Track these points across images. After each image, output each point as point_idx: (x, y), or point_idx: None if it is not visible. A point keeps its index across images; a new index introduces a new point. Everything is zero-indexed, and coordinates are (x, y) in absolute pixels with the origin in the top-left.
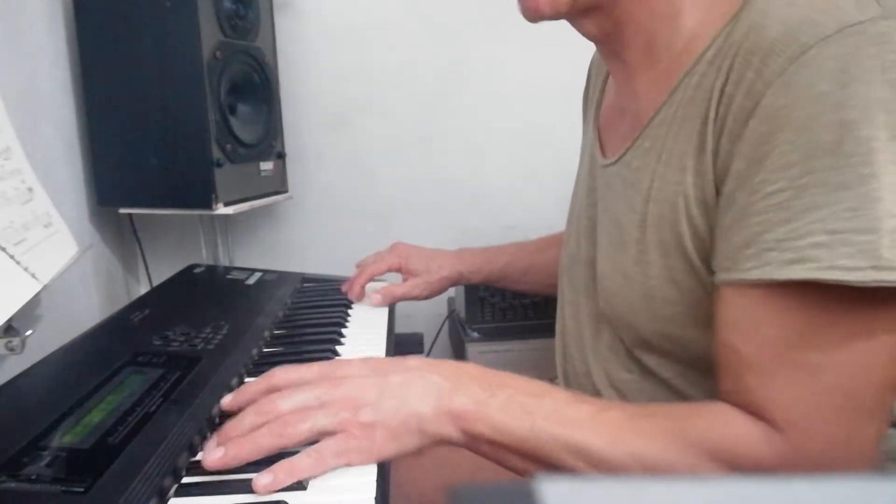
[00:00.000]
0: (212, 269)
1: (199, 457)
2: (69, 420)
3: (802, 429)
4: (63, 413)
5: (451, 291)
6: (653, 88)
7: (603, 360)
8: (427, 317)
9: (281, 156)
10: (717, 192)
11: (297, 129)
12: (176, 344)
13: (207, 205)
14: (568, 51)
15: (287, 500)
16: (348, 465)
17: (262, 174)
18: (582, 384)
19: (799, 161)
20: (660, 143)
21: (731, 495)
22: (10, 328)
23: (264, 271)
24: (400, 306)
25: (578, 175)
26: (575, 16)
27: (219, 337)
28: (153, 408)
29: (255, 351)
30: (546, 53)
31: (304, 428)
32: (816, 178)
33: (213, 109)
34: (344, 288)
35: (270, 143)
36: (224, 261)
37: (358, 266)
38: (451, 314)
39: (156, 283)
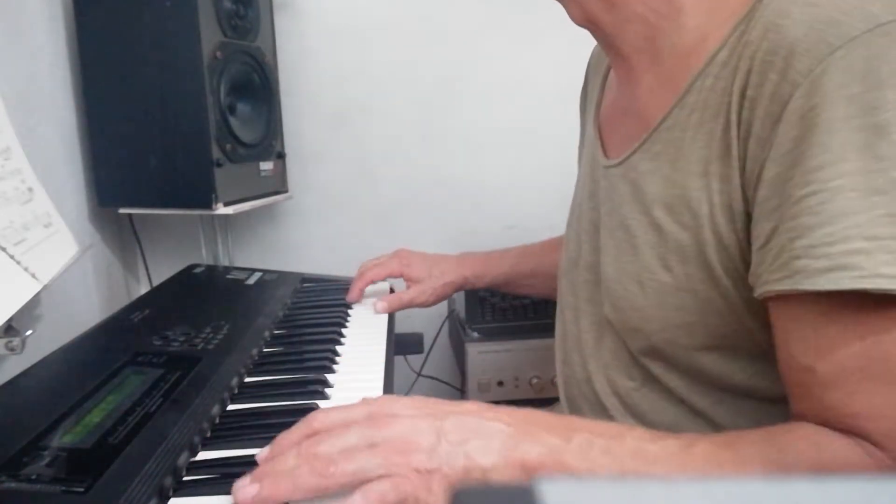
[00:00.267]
0: (212, 269)
1: (199, 457)
2: (69, 420)
3: None
4: (63, 413)
5: None
6: (658, 89)
7: (605, 367)
8: (427, 317)
9: (281, 156)
10: (745, 198)
11: (297, 129)
12: (176, 344)
13: (207, 205)
14: (568, 51)
15: None
16: None
17: (262, 174)
18: (583, 391)
19: (830, 163)
20: (673, 148)
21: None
22: (10, 328)
23: (264, 271)
24: None
25: (579, 177)
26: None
27: (219, 337)
28: (153, 408)
29: (255, 351)
30: (546, 53)
31: (349, 469)
32: (849, 181)
33: (213, 109)
34: (349, 297)
35: (270, 142)
36: (224, 261)
37: (360, 270)
38: (451, 314)
39: (156, 283)
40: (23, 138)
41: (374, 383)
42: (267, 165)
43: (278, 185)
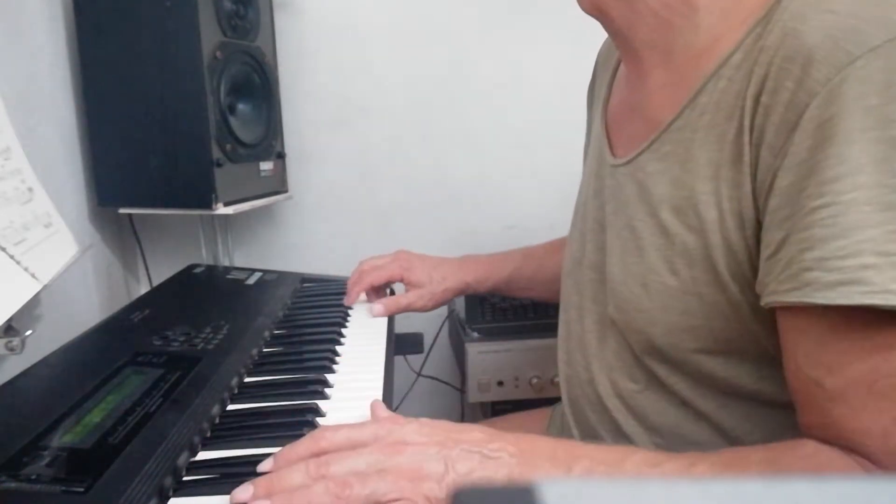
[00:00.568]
0: (212, 269)
1: (199, 457)
2: (69, 420)
3: None
4: (63, 413)
5: None
6: (667, 88)
7: (608, 369)
8: (427, 317)
9: (281, 156)
10: (756, 206)
11: (297, 129)
12: (176, 344)
13: (207, 205)
14: (568, 51)
15: None
16: None
17: (262, 174)
18: (585, 392)
19: (845, 175)
20: (682, 149)
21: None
22: (10, 328)
23: (264, 271)
24: None
25: (585, 175)
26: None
27: (219, 337)
28: (153, 408)
29: (255, 351)
30: (546, 53)
31: (364, 493)
32: (864, 194)
33: (213, 109)
34: (347, 301)
35: (270, 143)
36: (224, 261)
37: (360, 270)
38: (451, 314)
39: (156, 283)
40: (23, 138)
41: (374, 383)
42: (267, 165)
43: (278, 185)
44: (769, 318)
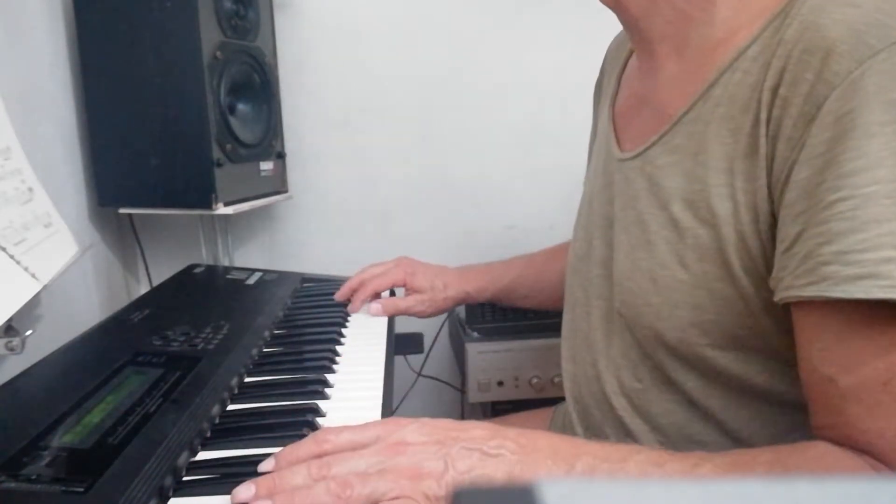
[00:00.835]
0: (212, 269)
1: (199, 457)
2: (69, 420)
3: None
4: (63, 413)
5: None
6: (680, 80)
7: (614, 366)
8: None
9: (281, 156)
10: (771, 199)
11: (297, 129)
12: (176, 344)
13: (207, 205)
14: (569, 51)
15: None
16: None
17: (262, 174)
18: (591, 390)
19: (865, 168)
20: (695, 142)
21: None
22: (10, 328)
23: (264, 271)
24: None
25: (591, 171)
26: None
27: (219, 337)
28: (153, 408)
29: (255, 351)
30: (547, 53)
31: (365, 493)
32: (884, 188)
33: (213, 109)
34: (338, 296)
35: (270, 143)
36: (224, 261)
37: (362, 278)
38: (451, 314)
39: (156, 283)
40: (23, 138)
41: (374, 383)
42: (267, 165)
43: (278, 185)
44: (781, 314)
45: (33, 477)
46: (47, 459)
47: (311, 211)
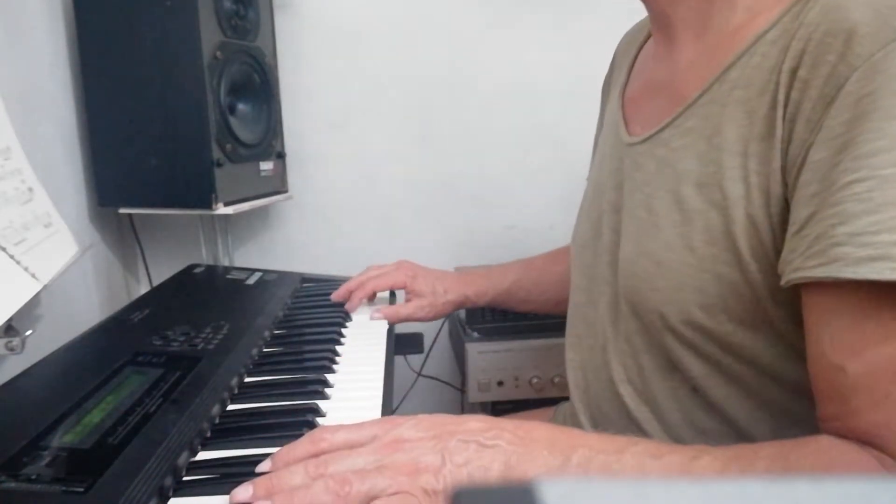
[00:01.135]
0: (212, 269)
1: (199, 457)
2: (69, 420)
3: None
4: (63, 413)
5: None
6: (697, 64)
7: (620, 353)
8: None
9: (281, 156)
10: (784, 182)
11: (297, 129)
12: (176, 344)
13: (207, 205)
14: (569, 51)
15: None
16: None
17: (262, 174)
18: (599, 377)
19: (884, 150)
20: (709, 124)
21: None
22: (10, 328)
23: (264, 271)
24: None
25: (596, 160)
26: None
27: (219, 337)
28: (153, 408)
29: (255, 351)
30: (547, 54)
31: (363, 490)
32: None
33: (213, 109)
34: (335, 296)
35: (270, 143)
36: (224, 261)
37: (361, 280)
38: (452, 314)
39: (156, 283)
40: (23, 138)
41: (374, 383)
42: (267, 165)
43: (278, 185)
44: (787, 300)
45: (33, 477)
46: (47, 459)
47: (311, 211)
